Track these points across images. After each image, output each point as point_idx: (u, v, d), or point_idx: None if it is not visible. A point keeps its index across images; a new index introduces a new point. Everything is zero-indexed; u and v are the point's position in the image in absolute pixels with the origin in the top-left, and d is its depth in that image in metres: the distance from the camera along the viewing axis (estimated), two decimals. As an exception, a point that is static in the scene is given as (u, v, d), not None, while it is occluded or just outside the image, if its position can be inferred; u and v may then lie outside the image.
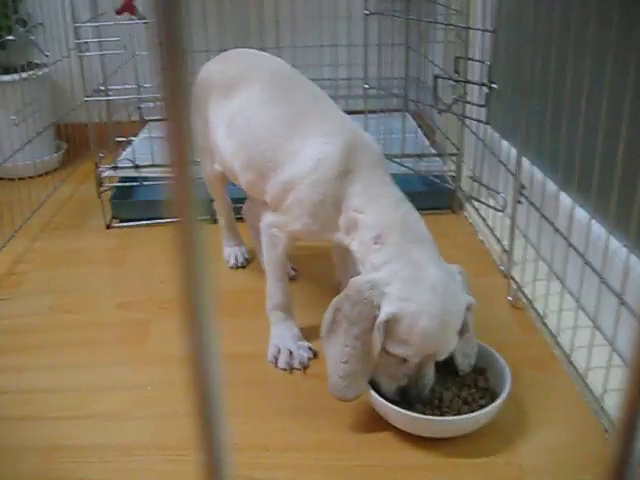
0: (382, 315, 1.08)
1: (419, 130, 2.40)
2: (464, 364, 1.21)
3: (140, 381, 1.33)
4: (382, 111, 2.18)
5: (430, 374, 1.14)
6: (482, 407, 1.13)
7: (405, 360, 1.11)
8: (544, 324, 1.40)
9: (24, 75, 2.23)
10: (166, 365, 1.38)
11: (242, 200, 1.82)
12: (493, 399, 1.14)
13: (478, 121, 1.71)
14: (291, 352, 1.36)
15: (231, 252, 1.79)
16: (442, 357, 1.12)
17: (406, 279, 1.10)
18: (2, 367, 1.40)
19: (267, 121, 1.33)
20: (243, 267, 1.77)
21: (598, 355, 1.22)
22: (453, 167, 2.06)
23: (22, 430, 1.22)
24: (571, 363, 1.27)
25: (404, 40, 2.46)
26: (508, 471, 1.08)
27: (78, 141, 2.55)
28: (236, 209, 1.82)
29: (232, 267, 1.77)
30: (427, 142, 2.28)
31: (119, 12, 2.04)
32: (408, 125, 2.30)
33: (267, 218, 1.36)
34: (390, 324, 1.08)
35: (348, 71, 2.70)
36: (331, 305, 1.16)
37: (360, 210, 1.20)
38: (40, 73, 2.39)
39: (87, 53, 1.94)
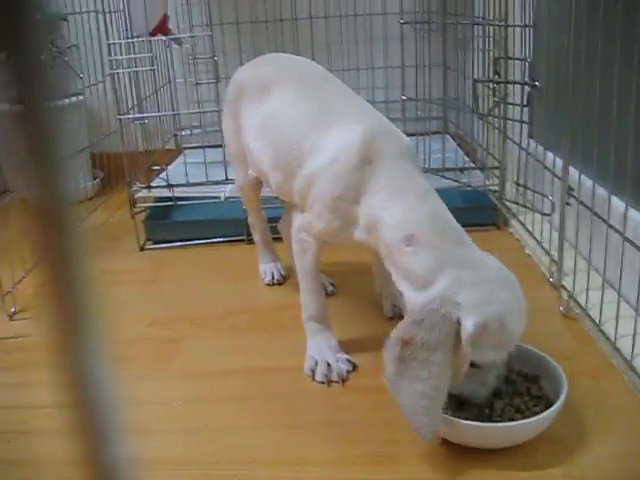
0: (469, 327, 0.96)
1: (459, 149, 2.34)
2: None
3: (169, 396, 1.27)
4: (421, 134, 2.11)
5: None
6: (536, 414, 1.03)
7: (490, 365, 1.03)
8: (600, 331, 1.30)
9: (59, 103, 2.22)
10: (196, 380, 1.32)
11: (278, 219, 1.77)
12: (548, 407, 1.04)
13: (521, 122, 1.64)
14: (329, 364, 1.28)
15: (267, 269, 1.73)
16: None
17: (473, 283, 1.00)
18: (25, 382, 1.34)
19: (294, 119, 1.29)
20: (280, 284, 1.70)
21: (662, 361, 1.12)
22: (496, 181, 1.98)
23: (44, 444, 1.15)
24: (632, 369, 1.17)
25: (441, 60, 2.42)
26: (568, 483, 0.98)
27: (114, 170, 2.53)
28: (272, 228, 1.77)
29: (268, 284, 1.70)
30: (468, 159, 2.21)
31: (152, 33, 2.02)
32: (448, 146, 2.23)
33: (296, 221, 1.29)
34: (477, 334, 0.97)
35: (385, 94, 2.66)
36: (392, 342, 1.01)
37: (382, 207, 1.12)
38: (75, 100, 2.40)
39: (119, 70, 1.92)
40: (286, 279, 1.71)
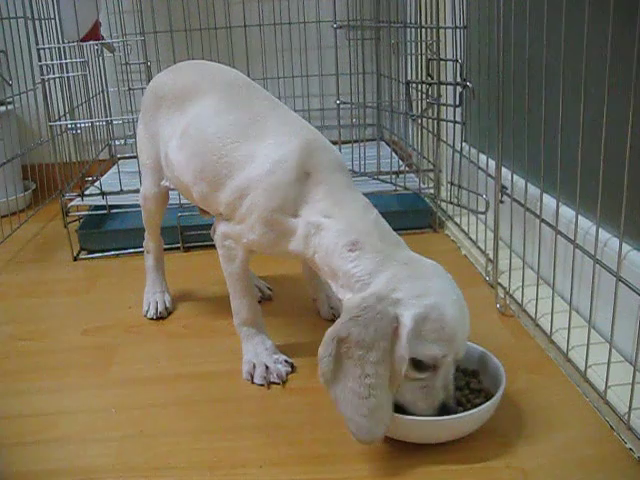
0: (408, 322, 0.95)
1: (394, 154, 2.35)
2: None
3: (104, 404, 1.23)
4: (356, 141, 2.12)
5: (452, 381, 1.04)
6: (478, 406, 1.03)
7: (435, 367, 0.99)
8: (537, 326, 1.32)
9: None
10: (132, 387, 1.29)
11: (194, 227, 1.88)
12: (488, 400, 1.05)
13: (454, 122, 1.66)
14: (267, 367, 1.27)
15: (152, 300, 1.58)
16: (464, 351, 1.02)
17: (410, 278, 1.00)
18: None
19: (222, 128, 1.24)
20: (162, 318, 1.56)
21: (596, 353, 1.14)
22: (431, 184, 2.00)
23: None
24: (569, 361, 1.19)
25: (375, 67, 2.44)
26: (509, 474, 0.98)
27: (47, 181, 2.48)
28: (191, 237, 1.89)
29: (151, 318, 1.55)
30: (402, 163, 2.22)
31: (84, 39, 1.99)
32: (383, 151, 2.25)
33: (220, 228, 1.26)
34: (417, 327, 0.96)
35: (320, 101, 2.67)
36: (327, 340, 0.99)
37: (326, 215, 1.11)
38: (4, 109, 2.33)
39: (50, 76, 1.87)
40: (170, 313, 1.59)
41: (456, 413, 1.02)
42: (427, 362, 0.98)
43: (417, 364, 0.99)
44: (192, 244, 1.97)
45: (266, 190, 1.15)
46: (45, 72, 1.85)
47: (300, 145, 1.16)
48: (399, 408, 1.03)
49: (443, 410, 1.01)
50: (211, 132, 1.25)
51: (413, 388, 1.01)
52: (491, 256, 1.56)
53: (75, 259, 1.96)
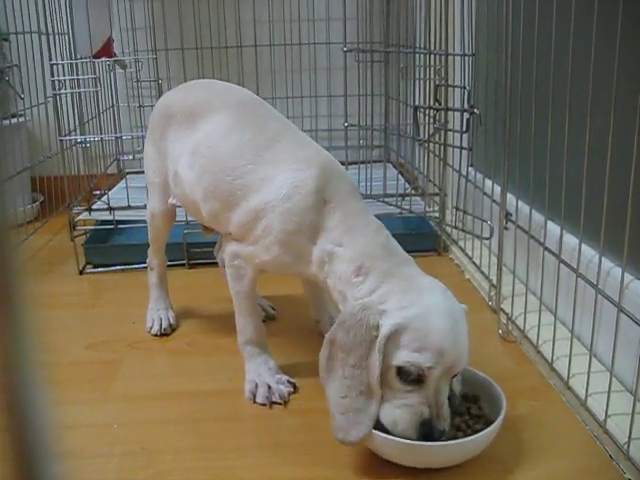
0: (384, 330, 0.99)
1: (400, 177, 2.36)
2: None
3: (106, 419, 1.24)
4: (363, 162, 2.14)
5: (446, 402, 1.03)
6: (478, 432, 1.03)
7: (421, 382, 1.00)
8: (538, 353, 1.33)
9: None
10: (134, 403, 1.29)
11: (200, 245, 1.90)
12: (488, 426, 1.05)
13: (460, 148, 1.67)
14: (270, 386, 1.27)
15: (157, 316, 1.58)
16: (459, 369, 1.02)
17: (401, 291, 1.04)
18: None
19: (236, 148, 1.25)
20: (167, 335, 1.56)
21: (597, 381, 1.15)
22: (437, 208, 2.01)
23: None
24: (569, 389, 1.20)
25: (383, 89, 2.46)
26: (507, 501, 0.99)
27: (55, 194, 2.50)
28: (196, 254, 1.93)
29: (155, 334, 1.56)
30: (409, 186, 2.24)
31: (97, 56, 2.01)
32: (389, 173, 2.26)
33: (230, 248, 1.27)
34: (397, 336, 0.99)
35: (328, 122, 2.69)
36: (325, 340, 1.07)
37: (339, 243, 1.14)
38: (16, 121, 2.36)
39: (62, 91, 1.90)
40: (174, 330, 1.59)
41: (442, 433, 1.02)
42: (408, 369, 0.99)
43: (400, 373, 1.00)
44: (197, 261, 1.98)
45: (282, 214, 1.16)
46: (57, 87, 1.88)
47: (317, 172, 1.17)
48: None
49: (426, 429, 1.00)
50: (224, 151, 1.26)
51: (397, 400, 1.01)
52: (494, 281, 1.57)
53: (81, 273, 1.97)
